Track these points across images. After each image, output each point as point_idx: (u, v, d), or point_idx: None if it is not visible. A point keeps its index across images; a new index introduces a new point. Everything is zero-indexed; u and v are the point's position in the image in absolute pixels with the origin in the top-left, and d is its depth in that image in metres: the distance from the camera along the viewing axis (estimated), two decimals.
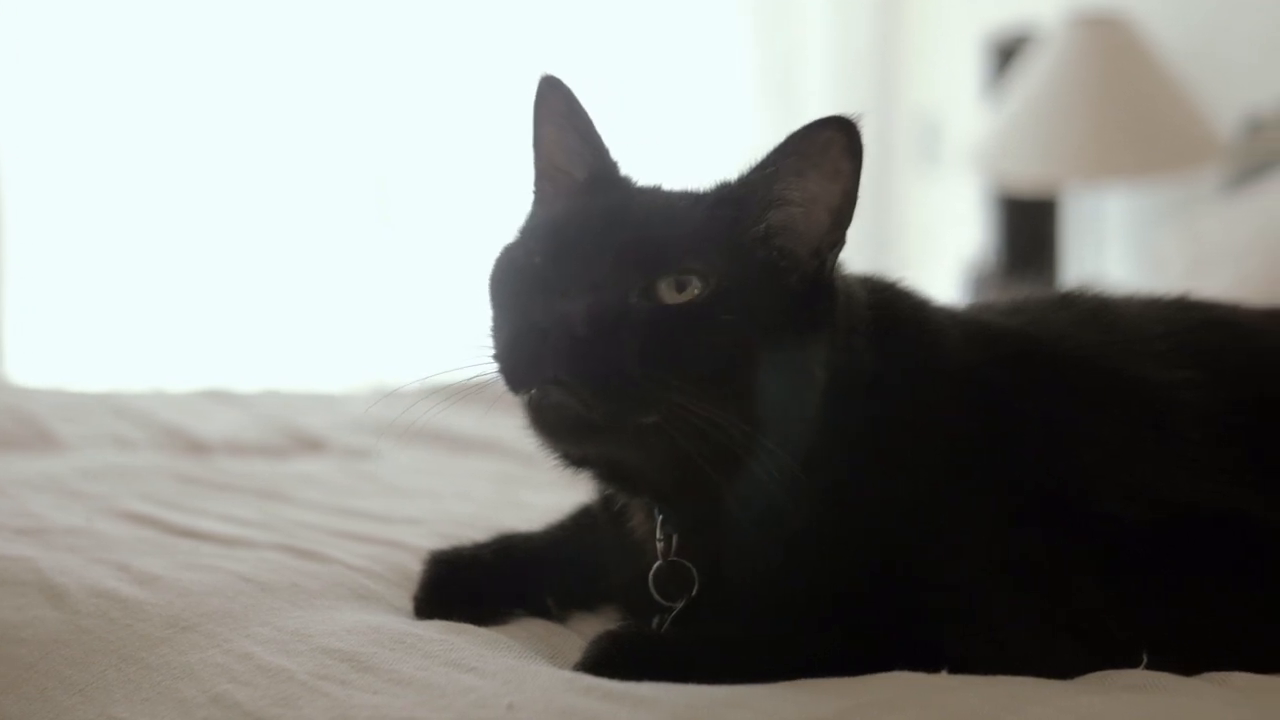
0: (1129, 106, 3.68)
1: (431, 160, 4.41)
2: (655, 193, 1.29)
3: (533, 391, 1.18)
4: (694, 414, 1.14)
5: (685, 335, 1.16)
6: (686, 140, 4.70)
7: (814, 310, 1.22)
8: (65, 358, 4.02)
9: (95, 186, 4.04)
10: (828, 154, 1.18)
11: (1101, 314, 1.43)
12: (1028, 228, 4.20)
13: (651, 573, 1.28)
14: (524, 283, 1.22)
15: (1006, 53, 4.20)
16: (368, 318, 4.39)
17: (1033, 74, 3.79)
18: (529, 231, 1.29)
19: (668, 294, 1.17)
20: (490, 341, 1.25)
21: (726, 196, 1.23)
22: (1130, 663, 1.20)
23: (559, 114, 1.31)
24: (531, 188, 1.36)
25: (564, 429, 1.19)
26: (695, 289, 1.17)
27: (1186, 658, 1.23)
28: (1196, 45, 3.94)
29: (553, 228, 1.24)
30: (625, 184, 1.31)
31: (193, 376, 3.21)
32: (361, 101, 4.33)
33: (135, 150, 4.05)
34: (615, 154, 1.32)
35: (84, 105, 3.99)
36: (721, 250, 1.19)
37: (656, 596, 1.28)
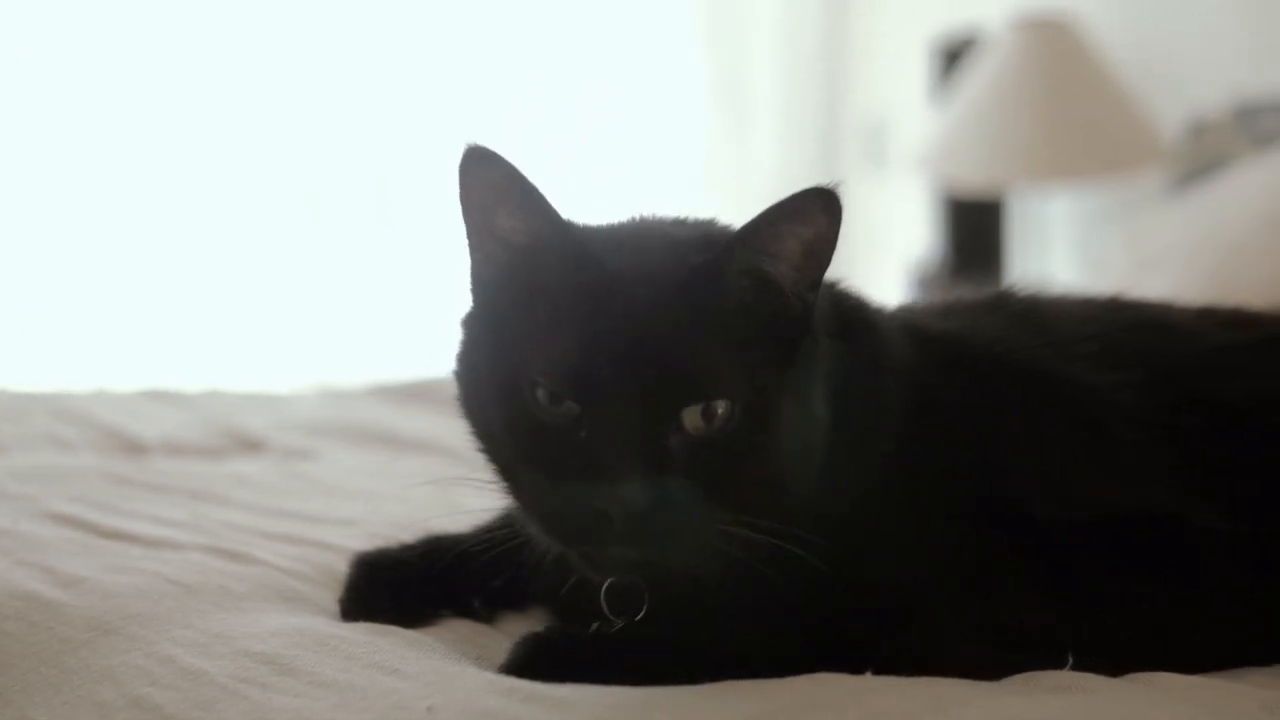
0: (1074, 109, 3.70)
1: (372, 161, 4.41)
2: (641, 276, 1.18)
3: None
4: (736, 530, 1.15)
5: (728, 468, 1.15)
6: (636, 142, 4.71)
7: (808, 353, 1.21)
8: (13, 359, 3.98)
9: (48, 185, 4.00)
10: (806, 213, 1.15)
11: (1033, 316, 1.43)
12: (974, 229, 4.22)
13: (604, 589, 1.25)
14: (541, 429, 1.16)
15: (953, 55, 4.22)
16: (320, 316, 4.38)
17: (978, 77, 3.81)
18: (531, 355, 1.17)
19: (692, 420, 1.14)
20: (483, 447, 1.26)
21: (713, 271, 1.18)
22: (1057, 665, 1.21)
23: (491, 184, 1.20)
24: (466, 242, 1.25)
25: (620, 570, 1.19)
26: (721, 410, 1.14)
27: (1116, 660, 1.23)
28: (1141, 48, 3.97)
29: (564, 363, 1.15)
30: (600, 261, 1.19)
31: (160, 380, 3.18)
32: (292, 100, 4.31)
33: (80, 146, 4.00)
34: (563, 206, 1.22)
35: (28, 99, 3.94)
36: (729, 344, 1.16)
37: (607, 613, 1.26)
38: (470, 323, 1.27)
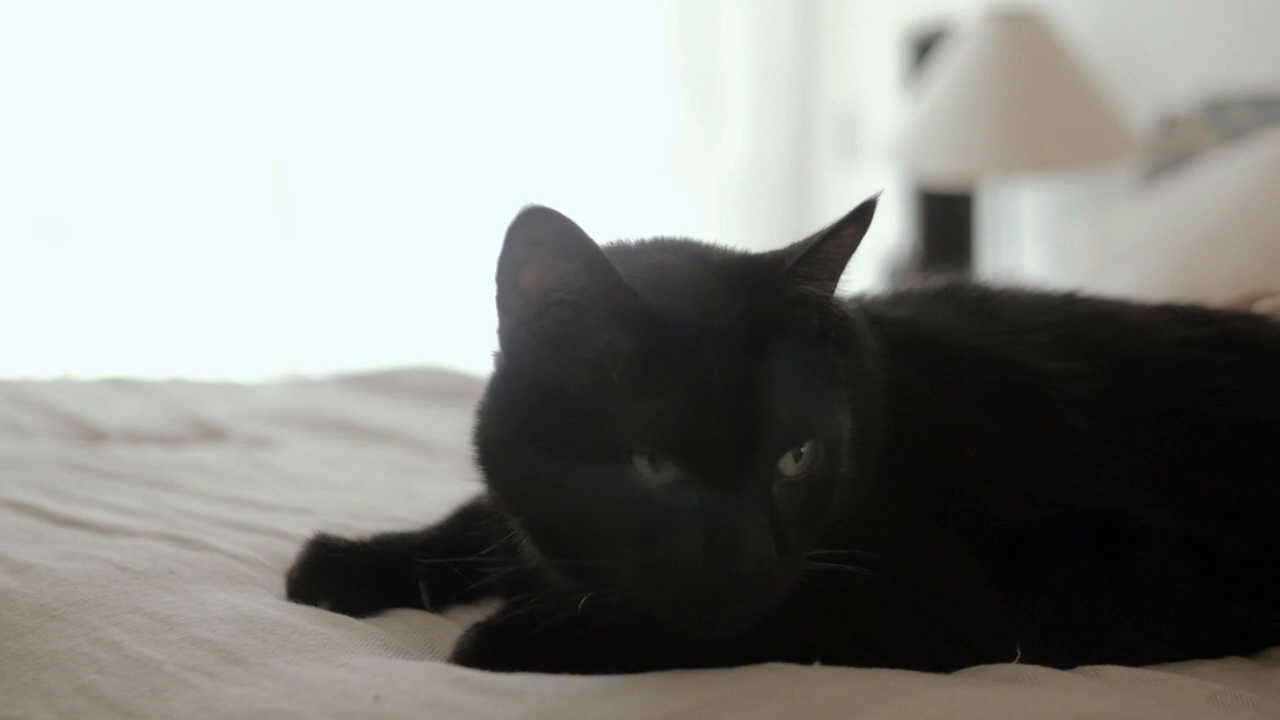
0: (1044, 102, 3.71)
1: (333, 150, 4.39)
2: (710, 326, 1.13)
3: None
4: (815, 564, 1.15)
5: (820, 504, 1.15)
6: (606, 132, 4.70)
7: (835, 362, 1.21)
8: None
9: (12, 173, 3.97)
10: (840, 230, 1.16)
11: (985, 305, 1.43)
12: (945, 221, 4.23)
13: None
14: (640, 498, 1.10)
15: (924, 47, 4.23)
16: (283, 307, 4.36)
17: (949, 69, 3.81)
18: (620, 422, 1.10)
19: (787, 465, 1.13)
20: (538, 525, 1.17)
21: (768, 309, 1.15)
22: (1005, 658, 1.21)
23: (541, 242, 1.12)
24: (497, 302, 1.18)
25: (740, 626, 1.14)
26: (807, 449, 1.13)
27: (1063, 655, 1.23)
28: (1111, 42, 3.98)
29: (667, 428, 1.09)
30: (666, 317, 1.13)
31: (128, 368, 3.17)
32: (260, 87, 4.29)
33: (43, 133, 3.98)
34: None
35: None
36: (800, 379, 1.15)
37: None
38: (504, 389, 1.20)
